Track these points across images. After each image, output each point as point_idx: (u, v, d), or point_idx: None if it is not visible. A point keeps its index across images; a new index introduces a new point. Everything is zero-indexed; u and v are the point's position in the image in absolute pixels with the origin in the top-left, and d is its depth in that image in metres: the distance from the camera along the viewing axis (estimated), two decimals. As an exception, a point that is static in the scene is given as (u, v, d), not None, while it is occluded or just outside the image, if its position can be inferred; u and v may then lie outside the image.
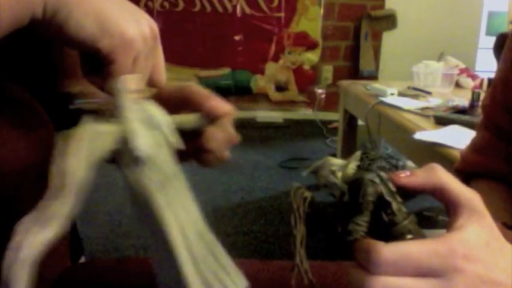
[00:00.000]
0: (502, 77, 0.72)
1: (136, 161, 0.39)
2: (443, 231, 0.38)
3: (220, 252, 0.43)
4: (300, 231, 0.39)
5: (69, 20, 0.36)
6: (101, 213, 2.22)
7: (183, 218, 0.41)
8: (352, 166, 0.39)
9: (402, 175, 0.39)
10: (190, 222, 0.42)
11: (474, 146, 0.77)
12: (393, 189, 0.38)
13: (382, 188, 0.38)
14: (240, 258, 0.59)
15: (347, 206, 0.38)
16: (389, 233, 0.38)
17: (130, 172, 0.40)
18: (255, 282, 0.57)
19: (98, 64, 0.40)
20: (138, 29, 0.40)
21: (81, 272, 0.61)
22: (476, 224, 0.36)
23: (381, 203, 0.38)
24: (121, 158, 0.40)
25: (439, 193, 0.38)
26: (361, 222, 0.37)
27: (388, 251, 0.34)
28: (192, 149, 0.46)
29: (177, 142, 0.42)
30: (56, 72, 0.56)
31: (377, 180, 0.38)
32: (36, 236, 0.35)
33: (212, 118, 0.45)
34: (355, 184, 0.38)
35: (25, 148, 0.48)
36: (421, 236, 0.38)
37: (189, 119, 0.44)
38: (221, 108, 0.45)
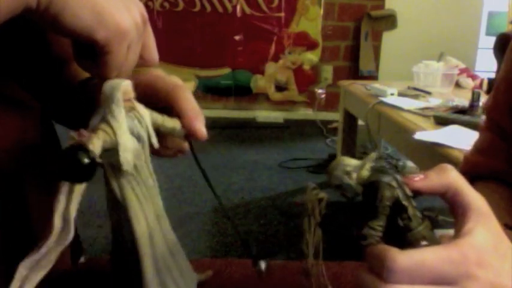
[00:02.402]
0: (505, 77, 0.71)
1: (121, 172, 0.39)
2: (447, 231, 0.38)
3: (179, 251, 0.45)
4: (314, 234, 0.39)
5: (64, 11, 0.36)
6: (101, 213, 2.22)
7: (152, 219, 0.42)
8: (367, 167, 0.38)
9: (416, 179, 0.38)
10: (157, 222, 0.43)
11: (477, 148, 0.77)
12: (409, 193, 0.37)
13: (398, 192, 0.37)
14: (240, 258, 0.59)
15: (361, 208, 0.37)
16: (404, 238, 0.37)
17: (114, 180, 0.40)
18: (255, 282, 0.57)
19: (91, 49, 0.39)
20: (131, 18, 0.40)
21: (81, 272, 0.61)
22: (484, 228, 0.36)
23: (397, 208, 0.37)
24: (107, 164, 0.39)
25: (450, 195, 0.38)
26: (377, 227, 0.36)
27: (403, 258, 0.34)
28: None
29: (155, 142, 0.41)
30: (53, 54, 0.56)
31: (394, 183, 0.37)
32: (33, 280, 0.37)
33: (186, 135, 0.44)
34: (371, 187, 0.37)
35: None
36: (436, 242, 0.37)
37: (170, 125, 0.42)
38: (201, 134, 0.43)
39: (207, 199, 2.53)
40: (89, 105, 0.49)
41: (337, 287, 0.56)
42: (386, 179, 0.37)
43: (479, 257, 0.35)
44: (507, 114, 0.70)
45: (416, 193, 0.38)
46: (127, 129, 0.38)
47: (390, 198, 0.37)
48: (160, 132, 0.42)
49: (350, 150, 2.70)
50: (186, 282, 0.46)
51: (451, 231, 0.39)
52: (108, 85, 0.39)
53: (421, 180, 0.38)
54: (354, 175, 0.38)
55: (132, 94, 0.40)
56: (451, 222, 0.39)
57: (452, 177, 0.38)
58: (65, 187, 0.37)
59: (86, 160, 0.35)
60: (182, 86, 0.45)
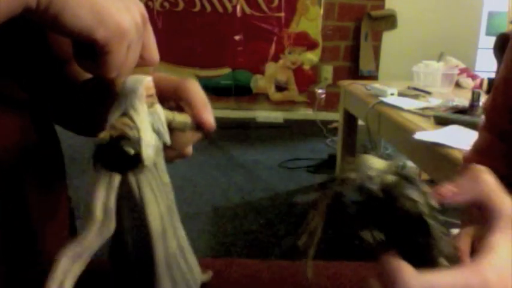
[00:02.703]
0: (504, 77, 0.71)
1: (141, 167, 0.39)
2: (450, 230, 0.36)
3: (187, 247, 0.46)
4: (315, 223, 0.36)
5: (64, 10, 0.36)
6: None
7: (165, 215, 0.42)
8: (392, 172, 0.34)
9: (447, 193, 0.36)
10: (170, 217, 0.43)
11: (476, 148, 0.77)
12: (435, 205, 0.34)
13: (422, 208, 0.33)
14: (240, 258, 0.59)
15: (375, 211, 0.34)
16: (423, 255, 0.34)
17: (131, 174, 0.39)
18: (255, 282, 0.57)
19: (91, 49, 0.39)
20: (131, 17, 0.40)
21: (80, 272, 0.61)
22: (509, 242, 0.34)
23: (418, 223, 0.34)
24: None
25: (484, 201, 0.36)
26: (378, 237, 0.34)
27: (417, 282, 0.32)
28: None
29: (168, 140, 0.42)
30: (54, 55, 0.56)
31: (418, 197, 0.33)
32: (74, 273, 0.37)
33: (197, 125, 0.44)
34: (391, 196, 0.34)
35: None
36: (456, 261, 0.35)
37: (180, 121, 0.43)
38: (210, 125, 0.44)
39: (207, 199, 2.53)
40: (89, 107, 0.49)
41: (337, 287, 0.56)
42: (410, 191, 0.34)
43: (500, 281, 0.32)
44: (506, 114, 0.70)
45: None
46: (149, 124, 0.38)
47: (411, 213, 0.33)
48: (170, 129, 0.43)
49: (350, 150, 2.69)
50: (194, 277, 0.47)
51: (453, 231, 0.38)
52: (131, 80, 0.39)
53: (454, 195, 0.36)
54: (377, 180, 0.34)
55: (153, 90, 0.40)
56: (452, 222, 0.39)
57: (486, 182, 0.36)
58: (104, 178, 0.37)
59: (132, 150, 0.36)
60: (189, 79, 0.45)
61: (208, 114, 0.44)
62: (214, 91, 3.95)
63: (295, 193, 2.66)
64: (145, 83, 0.39)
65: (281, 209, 2.44)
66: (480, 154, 0.75)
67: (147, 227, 0.41)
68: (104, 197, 0.37)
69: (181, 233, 0.45)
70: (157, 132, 0.40)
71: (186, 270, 0.45)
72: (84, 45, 0.39)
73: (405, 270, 0.32)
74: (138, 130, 0.37)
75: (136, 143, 0.37)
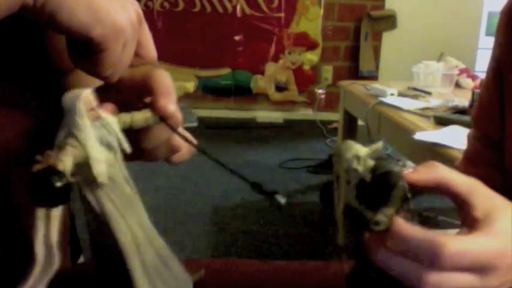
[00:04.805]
0: (485, 83, 0.72)
1: (97, 184, 0.38)
2: (447, 231, 0.38)
3: (169, 255, 0.44)
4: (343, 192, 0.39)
5: (61, 8, 0.36)
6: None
7: (135, 227, 0.41)
8: (373, 156, 0.38)
9: (408, 172, 0.39)
10: (141, 229, 0.41)
11: (466, 157, 0.77)
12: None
13: (405, 184, 0.37)
14: (240, 258, 0.59)
15: (371, 195, 0.38)
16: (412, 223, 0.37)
17: (90, 193, 0.39)
18: (255, 282, 0.57)
19: (86, 48, 0.39)
20: (127, 16, 0.40)
21: (80, 272, 0.61)
22: (505, 213, 0.37)
23: (406, 195, 0.38)
24: (81, 179, 0.37)
25: (444, 187, 0.39)
26: (389, 215, 0.37)
27: (452, 244, 0.34)
28: (135, 148, 0.42)
29: (127, 148, 0.40)
30: (51, 55, 0.56)
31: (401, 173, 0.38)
32: None
33: (160, 116, 0.42)
34: (383, 176, 0.37)
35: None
36: None
37: (140, 117, 0.40)
38: (167, 111, 0.42)
39: (207, 199, 2.53)
40: None
41: (337, 286, 0.56)
42: (397, 168, 0.37)
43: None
44: (493, 122, 0.70)
45: (412, 186, 0.39)
46: (95, 139, 0.37)
47: (403, 189, 0.37)
48: (134, 130, 0.41)
49: (350, 150, 2.69)
50: (180, 283, 0.45)
51: (451, 231, 0.39)
52: (67, 97, 0.37)
53: (412, 173, 0.39)
54: (368, 161, 0.38)
55: (94, 103, 0.38)
56: (451, 222, 0.39)
57: (441, 171, 0.39)
58: (41, 212, 0.35)
59: (59, 183, 0.33)
60: (158, 68, 0.44)
61: (168, 101, 0.42)
62: (214, 91, 3.95)
63: (295, 193, 2.65)
64: (83, 98, 0.37)
65: (281, 209, 2.43)
66: (471, 163, 0.75)
67: (117, 243, 0.39)
68: (42, 234, 0.35)
69: (159, 242, 0.43)
70: (106, 144, 0.38)
71: (169, 278, 0.44)
72: (79, 43, 0.39)
73: (439, 235, 0.35)
74: (84, 148, 0.35)
75: (63, 175, 0.34)
